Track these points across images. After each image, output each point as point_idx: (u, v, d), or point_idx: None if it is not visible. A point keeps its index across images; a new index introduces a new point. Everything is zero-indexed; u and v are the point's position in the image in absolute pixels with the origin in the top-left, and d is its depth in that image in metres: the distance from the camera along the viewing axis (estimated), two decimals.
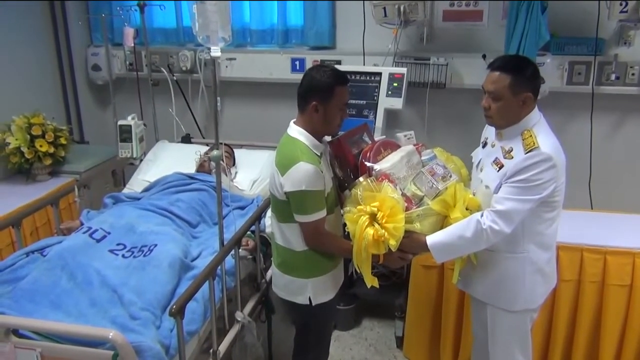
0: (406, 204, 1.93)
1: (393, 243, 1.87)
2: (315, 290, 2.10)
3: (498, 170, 1.92)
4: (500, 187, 1.90)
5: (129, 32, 3.08)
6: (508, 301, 2.05)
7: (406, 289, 2.91)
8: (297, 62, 3.50)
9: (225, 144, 3.20)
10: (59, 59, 3.69)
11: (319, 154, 2.03)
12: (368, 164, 2.04)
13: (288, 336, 3.08)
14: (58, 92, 3.73)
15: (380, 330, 3.22)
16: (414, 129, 3.41)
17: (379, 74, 3.03)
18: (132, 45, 3.21)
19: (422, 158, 2.16)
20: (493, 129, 2.03)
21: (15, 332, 1.73)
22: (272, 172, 2.05)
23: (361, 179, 2.01)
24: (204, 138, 3.67)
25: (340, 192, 2.17)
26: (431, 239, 1.95)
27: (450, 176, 2.04)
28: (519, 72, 1.89)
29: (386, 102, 2.98)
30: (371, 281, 2.03)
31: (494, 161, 1.96)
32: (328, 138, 2.16)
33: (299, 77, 3.51)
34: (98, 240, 2.29)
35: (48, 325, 1.70)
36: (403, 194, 1.95)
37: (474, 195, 2.06)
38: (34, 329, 1.72)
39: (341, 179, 2.16)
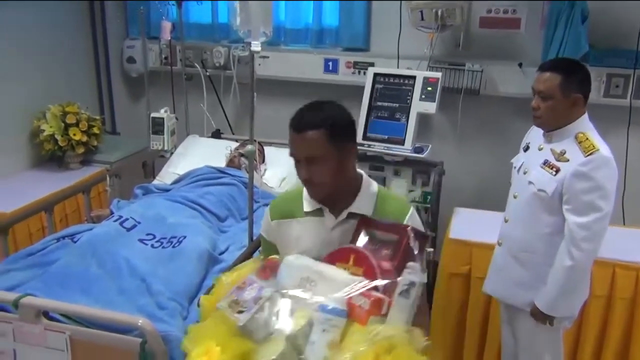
0: None
1: None
2: None
3: (555, 174, 1.90)
4: (558, 191, 1.89)
5: (167, 26, 3.12)
6: None
7: (430, 296, 2.88)
8: (330, 63, 3.50)
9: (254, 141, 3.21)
10: (95, 50, 3.74)
11: (311, 210, 1.61)
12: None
13: None
14: (93, 83, 3.78)
15: None
16: (445, 135, 3.42)
17: (413, 77, 3.01)
18: (169, 39, 3.23)
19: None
20: (537, 133, 2.02)
21: (46, 314, 1.74)
22: None
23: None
24: (233, 134, 3.68)
25: None
26: (541, 303, 1.97)
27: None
28: (571, 73, 1.88)
29: (419, 106, 2.96)
30: None
31: (544, 164, 1.95)
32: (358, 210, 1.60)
33: (331, 77, 3.57)
34: (128, 229, 2.31)
35: (79, 309, 1.71)
36: None
37: (515, 197, 2.04)
38: (65, 312, 1.73)
39: None
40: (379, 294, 1.34)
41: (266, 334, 1.33)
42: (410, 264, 1.42)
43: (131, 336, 1.70)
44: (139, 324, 1.62)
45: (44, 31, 3.33)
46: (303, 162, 1.53)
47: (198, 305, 1.75)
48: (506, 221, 2.16)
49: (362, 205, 1.58)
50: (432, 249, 2.98)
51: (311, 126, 1.49)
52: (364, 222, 1.55)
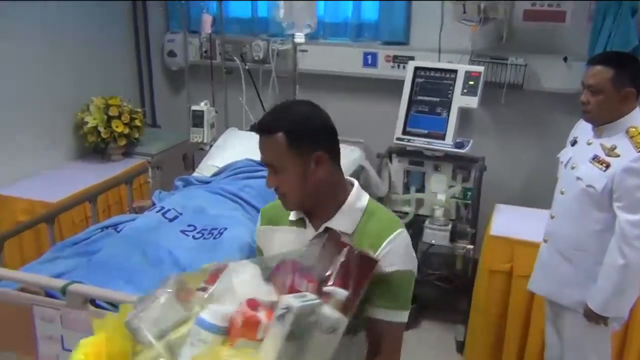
0: None
1: None
2: None
3: (605, 170, 1.85)
4: (607, 187, 1.84)
5: (207, 20, 3.14)
6: None
7: (469, 293, 2.84)
8: (369, 57, 3.47)
9: None
10: (137, 44, 3.80)
11: (295, 220, 1.47)
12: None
13: None
14: (134, 77, 3.84)
15: (439, 333, 3.15)
16: (486, 130, 3.36)
17: (455, 71, 2.96)
18: (209, 32, 3.25)
19: None
20: (585, 127, 1.96)
21: (93, 302, 1.77)
22: None
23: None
24: None
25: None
26: (594, 303, 1.92)
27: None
28: (623, 66, 1.82)
29: (461, 100, 2.91)
30: None
31: (593, 159, 1.89)
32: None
33: (370, 71, 3.55)
34: (170, 220, 2.34)
35: (124, 297, 1.73)
36: None
37: (562, 193, 2.00)
38: (111, 300, 1.76)
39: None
40: (258, 314, 1.14)
41: (154, 336, 1.17)
42: (328, 288, 1.17)
43: None
44: None
45: (89, 26, 3.40)
46: (269, 169, 1.38)
47: None
48: (552, 218, 2.11)
49: (342, 221, 1.38)
50: (471, 246, 2.97)
51: (269, 130, 1.34)
52: (332, 237, 1.33)
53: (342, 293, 1.16)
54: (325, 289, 1.16)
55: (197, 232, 2.30)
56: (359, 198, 1.41)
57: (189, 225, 2.33)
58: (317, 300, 1.14)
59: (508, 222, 2.74)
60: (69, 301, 1.74)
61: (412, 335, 3.14)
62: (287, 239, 1.46)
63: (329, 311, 1.15)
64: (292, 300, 1.12)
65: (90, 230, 2.38)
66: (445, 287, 3.23)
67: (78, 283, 1.77)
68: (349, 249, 1.23)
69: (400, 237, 1.34)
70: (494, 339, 2.75)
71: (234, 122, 3.60)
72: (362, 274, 1.21)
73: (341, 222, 1.38)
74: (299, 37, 1.81)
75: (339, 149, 1.42)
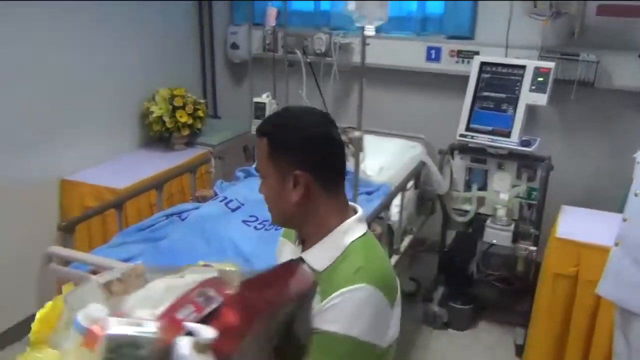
0: None
1: None
2: None
3: None
4: None
5: (272, 12, 3.16)
6: None
7: (531, 296, 2.76)
8: (433, 51, 3.42)
9: (354, 128, 3.19)
10: (201, 37, 3.86)
11: (297, 239, 1.33)
12: None
13: (406, 329, 3.02)
14: (197, 68, 3.91)
15: (497, 335, 3.09)
16: (554, 129, 3.25)
17: (523, 67, 2.87)
18: (274, 24, 3.27)
19: None
20: None
21: None
22: None
23: None
24: None
25: None
26: None
27: None
28: None
29: (528, 97, 2.82)
30: None
31: None
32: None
33: (433, 66, 3.49)
34: (233, 210, 2.38)
35: None
36: None
37: (636, 195, 1.91)
38: None
39: None
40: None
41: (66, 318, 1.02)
42: (190, 325, 0.87)
43: None
44: None
45: (157, 20, 3.48)
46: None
47: None
48: (625, 221, 2.02)
49: (319, 254, 1.20)
50: (534, 248, 2.88)
51: (259, 131, 1.23)
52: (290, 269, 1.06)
53: (205, 334, 0.88)
54: (187, 325, 0.89)
55: (259, 223, 2.32)
56: (348, 232, 1.21)
57: (251, 216, 2.36)
58: (149, 334, 0.88)
59: (575, 224, 2.64)
60: None
61: (469, 335, 3.09)
62: (287, 255, 1.32)
63: (185, 350, 0.87)
64: (115, 326, 0.89)
65: (156, 217, 2.45)
66: (504, 288, 3.15)
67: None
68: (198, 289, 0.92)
69: (357, 292, 1.09)
70: (556, 345, 2.66)
71: None
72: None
73: (317, 256, 1.20)
74: (369, 30, 1.77)
75: (336, 176, 1.23)
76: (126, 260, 2.03)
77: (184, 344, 0.87)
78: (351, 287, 1.10)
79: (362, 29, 1.86)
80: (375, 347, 1.10)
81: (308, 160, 1.18)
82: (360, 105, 2.06)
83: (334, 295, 1.10)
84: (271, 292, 0.93)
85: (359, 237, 1.21)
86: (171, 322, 0.90)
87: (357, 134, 2.02)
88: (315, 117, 1.24)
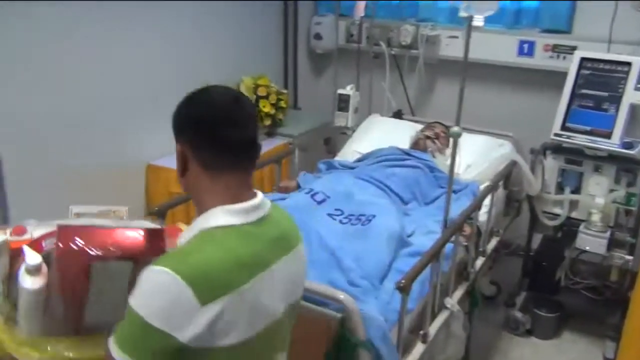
0: None
1: None
2: None
3: None
4: None
5: (361, 5, 3.10)
6: None
7: (624, 308, 2.59)
8: (526, 45, 3.25)
9: (441, 124, 3.11)
10: (285, 26, 3.85)
11: None
12: None
13: (486, 333, 2.95)
14: (279, 58, 3.91)
15: (584, 347, 2.93)
16: None
17: (628, 64, 2.68)
18: (362, 15, 3.21)
19: None
20: None
21: None
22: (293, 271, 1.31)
23: None
24: (413, 115, 3.60)
25: None
26: None
27: None
28: None
29: (634, 96, 2.63)
30: None
31: None
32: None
33: (525, 61, 3.32)
34: (319, 203, 2.34)
35: None
36: None
37: None
38: None
39: None
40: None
41: None
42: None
43: (326, 309, 1.70)
44: (341, 298, 1.62)
45: (241, 8, 3.48)
46: None
47: (397, 289, 1.71)
48: None
49: (184, 233, 1.20)
50: (630, 257, 2.71)
51: None
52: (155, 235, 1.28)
53: (30, 260, 1.18)
54: (24, 248, 1.21)
55: (344, 217, 2.28)
56: (210, 218, 1.16)
57: (336, 210, 2.32)
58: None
59: None
60: None
61: (552, 345, 2.95)
62: None
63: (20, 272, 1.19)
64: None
65: None
66: (594, 298, 2.99)
67: None
68: None
69: (156, 274, 1.06)
70: None
71: (374, 107, 3.55)
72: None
73: (184, 233, 1.20)
74: (478, 20, 1.68)
75: (218, 157, 1.18)
76: None
77: (21, 269, 1.18)
78: (154, 267, 1.07)
79: (470, 19, 1.76)
80: (169, 337, 1.04)
81: (188, 138, 1.21)
82: (460, 101, 1.98)
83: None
84: (110, 243, 1.19)
85: (215, 226, 1.15)
86: (34, 242, 1.24)
87: (455, 129, 1.93)
88: (209, 96, 1.24)
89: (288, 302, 1.27)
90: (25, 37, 2.36)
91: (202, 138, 1.19)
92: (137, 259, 1.19)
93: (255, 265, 1.15)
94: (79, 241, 1.17)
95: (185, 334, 1.04)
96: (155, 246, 1.19)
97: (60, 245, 1.17)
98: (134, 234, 1.24)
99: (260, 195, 1.25)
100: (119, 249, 1.20)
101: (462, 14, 1.78)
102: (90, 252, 1.17)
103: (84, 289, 1.19)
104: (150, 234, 1.26)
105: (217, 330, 1.07)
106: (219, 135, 1.18)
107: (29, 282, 1.17)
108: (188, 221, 2.59)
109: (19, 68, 2.37)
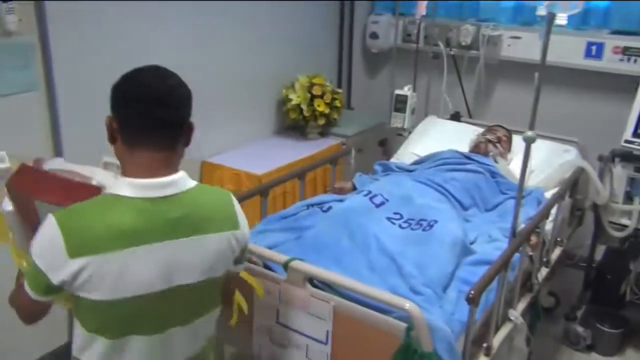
0: None
1: None
2: None
3: None
4: None
5: (423, 3, 3.02)
6: None
7: None
8: (594, 47, 3.11)
9: (502, 127, 3.00)
10: (341, 25, 3.81)
11: None
12: None
13: (545, 347, 2.83)
14: (334, 57, 3.86)
15: None
16: None
17: None
18: (423, 14, 3.13)
19: None
20: None
21: (310, 281, 1.76)
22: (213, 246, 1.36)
23: None
24: (471, 118, 3.50)
25: None
26: None
27: None
28: None
29: None
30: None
31: None
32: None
33: (592, 64, 3.18)
34: (377, 206, 2.27)
35: (347, 282, 1.69)
36: None
37: None
38: (333, 282, 1.72)
39: None
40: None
41: None
42: None
43: (391, 317, 1.64)
44: (407, 307, 1.55)
45: (298, 7, 3.46)
46: None
47: (466, 300, 1.63)
48: None
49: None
50: None
51: None
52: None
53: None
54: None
55: (404, 222, 2.21)
56: (113, 187, 1.28)
57: (395, 213, 2.25)
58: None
59: None
60: (291, 277, 1.75)
61: None
62: None
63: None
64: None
65: (297, 206, 2.41)
66: None
67: (299, 260, 1.77)
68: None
69: (46, 219, 1.23)
70: None
71: (431, 109, 3.47)
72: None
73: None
74: (561, 19, 1.59)
75: (132, 132, 1.28)
76: (269, 247, 2.00)
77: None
78: (50, 215, 1.23)
79: (551, 17, 1.67)
80: (44, 275, 1.21)
81: (115, 112, 1.30)
82: (535, 103, 1.87)
83: None
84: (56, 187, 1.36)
85: (114, 194, 1.26)
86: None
87: (529, 133, 1.84)
88: (139, 75, 1.31)
89: (172, 283, 1.29)
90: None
91: (124, 114, 1.29)
92: (62, 205, 1.28)
93: (134, 238, 1.22)
94: (26, 179, 1.39)
95: (55, 277, 1.20)
96: (75, 199, 1.28)
97: (11, 181, 1.41)
98: (72, 186, 1.36)
99: (177, 175, 1.32)
100: (52, 195, 1.35)
101: (541, 12, 1.68)
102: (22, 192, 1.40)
103: (35, 218, 1.36)
104: (79, 187, 1.35)
105: (80, 284, 1.20)
106: (137, 112, 1.27)
107: (6, 205, 1.43)
108: None
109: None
